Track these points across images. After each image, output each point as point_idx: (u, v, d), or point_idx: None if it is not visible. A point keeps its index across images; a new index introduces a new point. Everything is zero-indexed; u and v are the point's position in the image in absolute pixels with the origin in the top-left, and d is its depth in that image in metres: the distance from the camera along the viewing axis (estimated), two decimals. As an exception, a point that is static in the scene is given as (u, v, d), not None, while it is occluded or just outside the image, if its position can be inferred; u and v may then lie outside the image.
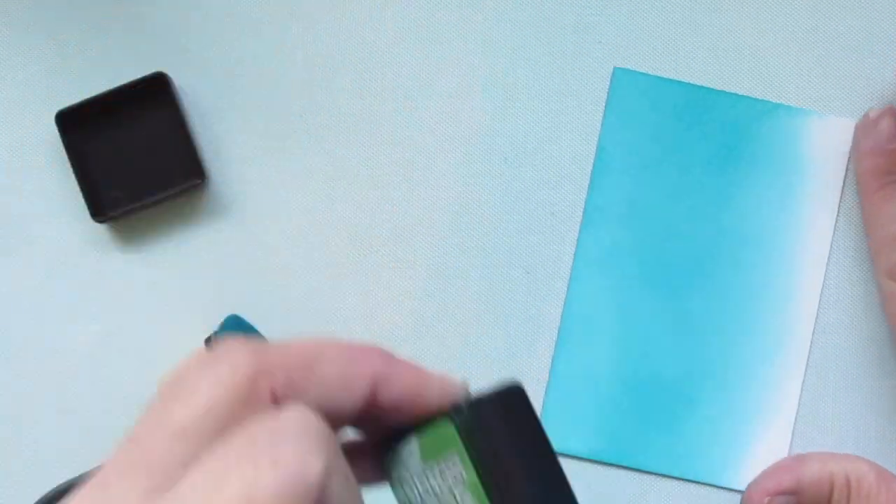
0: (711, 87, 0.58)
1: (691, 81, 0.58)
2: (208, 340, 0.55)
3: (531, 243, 0.58)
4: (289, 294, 0.58)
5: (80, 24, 0.58)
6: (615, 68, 0.58)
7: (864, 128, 0.56)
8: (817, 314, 0.57)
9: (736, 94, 0.58)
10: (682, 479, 0.57)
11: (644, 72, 0.57)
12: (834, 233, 0.57)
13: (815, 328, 0.57)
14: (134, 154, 0.57)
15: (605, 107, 0.58)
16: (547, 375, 0.57)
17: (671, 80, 0.58)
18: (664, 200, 0.57)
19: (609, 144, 0.57)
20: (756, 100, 0.58)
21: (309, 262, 0.58)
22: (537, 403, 0.57)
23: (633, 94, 0.58)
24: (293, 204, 0.58)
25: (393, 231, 0.58)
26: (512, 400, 0.32)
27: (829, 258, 0.57)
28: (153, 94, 0.57)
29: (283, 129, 0.58)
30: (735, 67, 0.58)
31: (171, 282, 0.58)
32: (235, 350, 0.30)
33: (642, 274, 0.57)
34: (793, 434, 0.57)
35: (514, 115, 0.58)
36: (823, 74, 0.58)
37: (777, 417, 0.57)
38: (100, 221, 0.57)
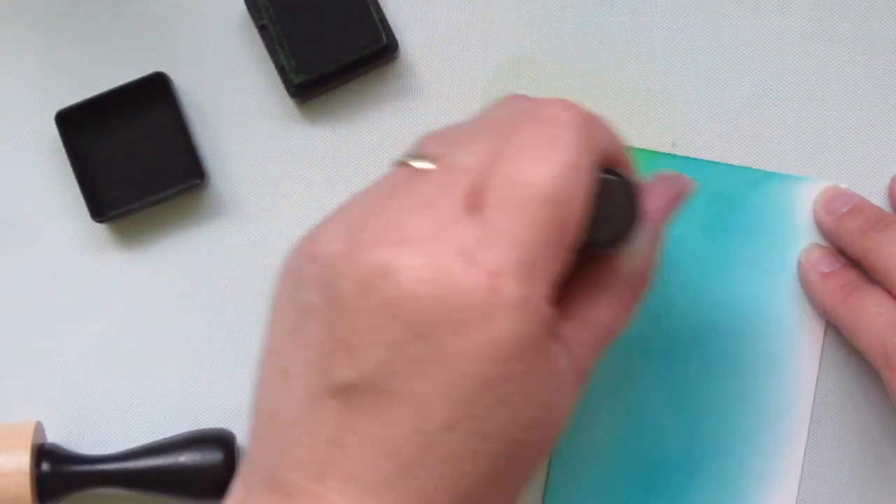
0: (703, 157, 0.57)
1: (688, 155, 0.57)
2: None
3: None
4: (288, 295, 0.58)
5: (80, 24, 0.58)
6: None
7: (804, 275, 0.56)
8: (817, 380, 0.56)
9: (727, 164, 0.56)
10: (688, 553, 0.56)
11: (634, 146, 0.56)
12: (830, 298, 0.56)
13: (815, 394, 0.56)
14: (134, 154, 0.57)
15: None
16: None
17: (661, 154, 0.56)
18: (659, 272, 0.57)
19: None
20: (748, 168, 0.56)
21: (308, 263, 0.58)
22: (540, 482, 0.56)
23: None
24: (293, 203, 0.58)
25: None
26: None
27: (826, 323, 0.56)
28: (153, 94, 0.57)
29: (282, 129, 0.58)
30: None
31: (171, 282, 0.58)
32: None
33: (639, 347, 0.56)
34: (797, 502, 0.56)
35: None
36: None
37: (780, 484, 0.56)
38: (100, 221, 0.57)
